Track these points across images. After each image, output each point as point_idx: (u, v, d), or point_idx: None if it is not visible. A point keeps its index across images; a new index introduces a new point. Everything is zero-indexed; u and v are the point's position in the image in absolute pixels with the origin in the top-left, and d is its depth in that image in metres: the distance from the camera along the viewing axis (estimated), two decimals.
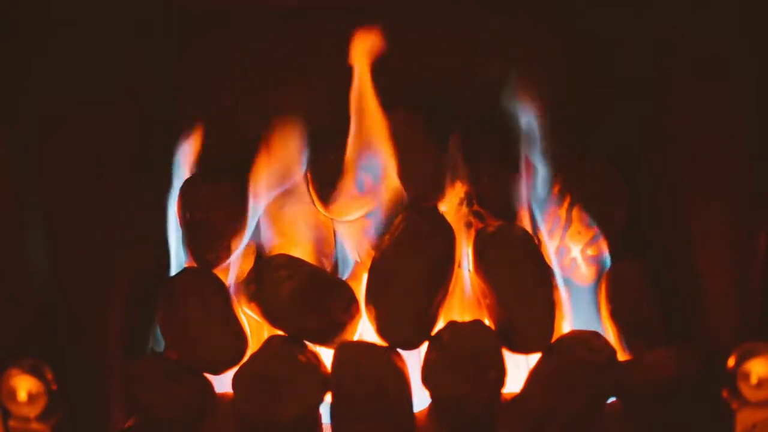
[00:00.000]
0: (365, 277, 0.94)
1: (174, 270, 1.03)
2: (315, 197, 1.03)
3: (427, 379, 0.88)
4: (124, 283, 0.99)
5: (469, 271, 0.97)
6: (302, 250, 1.01)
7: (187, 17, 1.04)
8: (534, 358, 0.91)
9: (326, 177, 1.01)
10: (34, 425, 0.82)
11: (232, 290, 0.97)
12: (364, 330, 0.96)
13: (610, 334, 0.98)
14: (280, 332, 0.93)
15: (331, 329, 0.92)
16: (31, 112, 0.84)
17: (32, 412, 0.82)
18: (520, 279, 0.90)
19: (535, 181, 1.01)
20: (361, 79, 0.96)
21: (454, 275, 0.94)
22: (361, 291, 0.94)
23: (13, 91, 0.82)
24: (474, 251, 0.94)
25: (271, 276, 0.92)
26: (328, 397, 0.89)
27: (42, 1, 0.84)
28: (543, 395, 0.88)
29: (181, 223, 1.03)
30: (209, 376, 0.95)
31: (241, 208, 1.00)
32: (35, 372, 0.82)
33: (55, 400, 0.82)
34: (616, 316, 0.98)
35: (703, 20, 0.87)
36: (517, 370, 0.93)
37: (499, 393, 0.88)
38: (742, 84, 0.82)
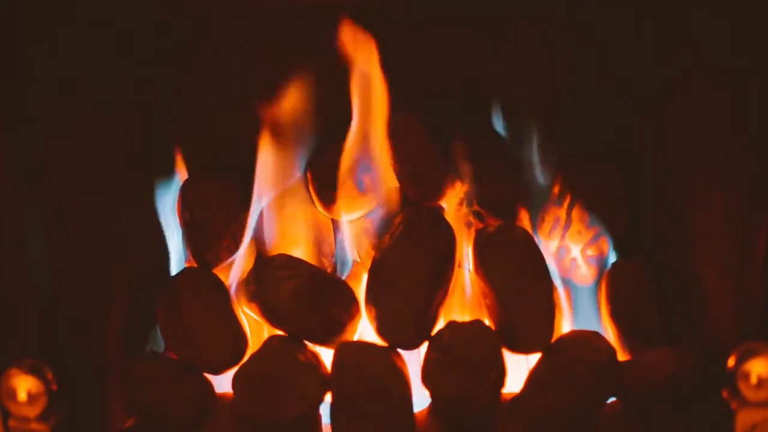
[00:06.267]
0: (365, 277, 0.94)
1: (174, 270, 1.03)
2: (315, 197, 1.03)
3: (427, 379, 0.88)
4: (124, 283, 0.99)
5: (469, 271, 0.97)
6: (302, 250, 1.01)
7: (188, 17, 1.04)
8: (534, 358, 0.91)
9: (326, 177, 1.01)
10: (34, 425, 0.82)
11: (232, 290, 0.97)
12: (364, 330, 0.96)
13: (610, 334, 0.98)
14: (280, 332, 0.93)
15: (331, 329, 0.92)
16: (31, 113, 0.84)
17: (32, 412, 0.82)
18: (520, 279, 0.90)
19: (535, 181, 1.01)
20: (370, 80, 0.96)
21: (454, 275, 0.94)
22: (361, 291, 0.94)
23: (14, 93, 0.82)
24: (474, 251, 0.94)
25: (271, 276, 0.92)
26: (328, 397, 0.89)
27: (43, 3, 0.84)
28: (543, 395, 0.88)
29: (181, 223, 1.03)
30: (209, 376, 0.95)
31: (241, 208, 1.00)
32: (35, 372, 0.82)
33: (55, 400, 0.82)
34: (616, 316, 0.98)
35: (702, 20, 0.87)
36: (517, 370, 0.93)
37: (499, 393, 0.88)
38: (743, 84, 0.82)
